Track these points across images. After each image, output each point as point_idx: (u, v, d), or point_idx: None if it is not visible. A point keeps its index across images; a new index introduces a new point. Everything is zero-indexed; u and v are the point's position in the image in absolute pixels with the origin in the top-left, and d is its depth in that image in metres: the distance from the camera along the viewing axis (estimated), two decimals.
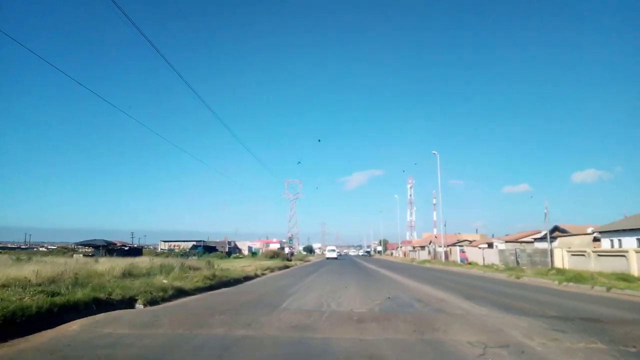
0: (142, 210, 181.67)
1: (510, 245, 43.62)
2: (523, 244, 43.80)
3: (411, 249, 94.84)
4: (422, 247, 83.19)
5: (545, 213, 31.77)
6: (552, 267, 28.09)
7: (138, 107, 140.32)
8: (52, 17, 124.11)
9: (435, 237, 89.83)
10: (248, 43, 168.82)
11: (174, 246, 63.22)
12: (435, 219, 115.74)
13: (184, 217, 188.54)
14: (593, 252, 26.62)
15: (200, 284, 14.11)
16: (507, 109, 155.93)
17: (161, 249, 64.21)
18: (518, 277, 24.69)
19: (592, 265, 26.12)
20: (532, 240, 42.04)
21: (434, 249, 70.01)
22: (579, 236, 34.23)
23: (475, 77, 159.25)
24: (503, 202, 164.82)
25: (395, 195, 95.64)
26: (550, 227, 38.41)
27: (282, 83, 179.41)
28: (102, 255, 45.61)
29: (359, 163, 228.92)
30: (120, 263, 16.22)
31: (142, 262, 18.64)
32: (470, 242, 70.12)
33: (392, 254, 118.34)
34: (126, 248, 51.39)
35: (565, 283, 19.99)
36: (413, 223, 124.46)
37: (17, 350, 5.93)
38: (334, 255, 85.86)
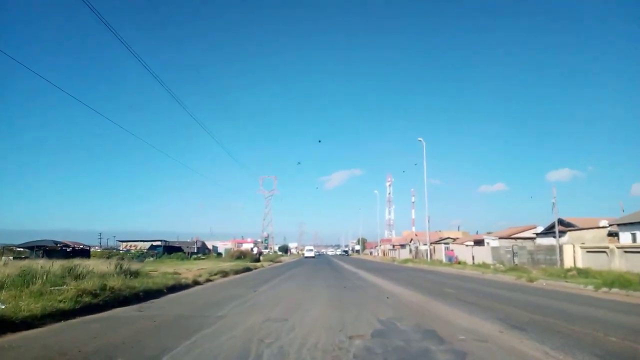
0: (114, 211, 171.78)
1: (506, 242, 38.97)
2: (518, 240, 39.26)
3: (391, 247, 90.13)
4: (403, 246, 78.56)
5: (552, 202, 27.05)
6: (571, 267, 23.36)
7: (119, 108, 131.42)
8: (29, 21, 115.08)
9: (416, 234, 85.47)
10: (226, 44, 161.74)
11: (131, 246, 56.75)
12: (413, 217, 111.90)
13: (158, 218, 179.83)
14: (618, 248, 21.94)
15: (65, 306, 8.48)
16: (483, 109, 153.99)
17: (119, 250, 57.62)
18: (531, 280, 19.78)
19: (617, 263, 21.43)
20: (534, 235, 37.52)
21: (416, 248, 65.34)
22: (591, 230, 29.74)
23: (454, 77, 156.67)
24: (480, 201, 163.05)
25: (375, 191, 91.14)
26: (552, 221, 33.88)
27: (261, 82, 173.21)
28: (38, 257, 39.30)
29: (339, 162, 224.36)
30: None
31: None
32: (454, 239, 65.57)
33: (370, 253, 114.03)
34: (69, 249, 44.78)
35: (604, 289, 15.04)
36: (392, 222, 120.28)
37: None
38: (312, 254, 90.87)
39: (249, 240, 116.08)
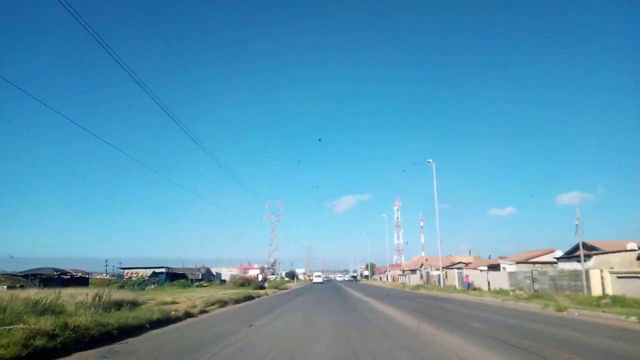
0: (121, 238, 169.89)
1: (524, 267, 36.73)
2: (537, 265, 36.99)
3: (400, 273, 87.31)
4: (413, 271, 75.88)
5: (576, 225, 25.08)
6: (601, 295, 21.28)
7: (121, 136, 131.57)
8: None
9: (426, 259, 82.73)
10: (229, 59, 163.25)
11: (133, 274, 54.90)
12: (423, 241, 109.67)
13: (164, 245, 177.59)
14: None
15: (8, 352, 6.81)
16: (493, 132, 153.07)
17: (117, 277, 55.78)
18: (560, 310, 17.77)
19: None
20: (553, 260, 35.26)
21: (427, 273, 62.88)
22: (619, 253, 27.54)
23: (462, 100, 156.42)
24: (490, 225, 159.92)
25: (383, 215, 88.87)
26: (574, 244, 31.75)
27: (267, 107, 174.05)
28: (35, 286, 37.65)
29: (347, 187, 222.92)
30: None
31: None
32: (466, 264, 62.98)
33: (380, 278, 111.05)
34: (66, 277, 43.08)
35: None
36: (401, 246, 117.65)
37: None
38: (320, 280, 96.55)
39: (255, 266, 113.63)
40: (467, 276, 41.43)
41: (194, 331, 11.58)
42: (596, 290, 24.04)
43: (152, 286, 48.48)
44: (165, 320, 13.18)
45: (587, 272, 24.86)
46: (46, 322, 8.39)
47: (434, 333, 10.73)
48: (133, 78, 23.22)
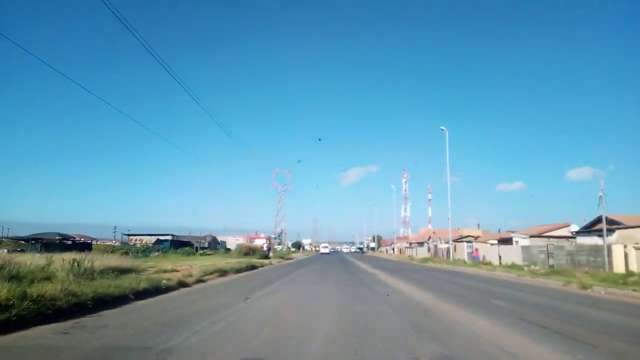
0: (131, 205, 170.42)
1: (539, 241, 35.32)
2: (552, 239, 35.56)
3: (407, 245, 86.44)
4: (420, 244, 74.84)
5: (600, 196, 23.48)
6: (627, 272, 19.89)
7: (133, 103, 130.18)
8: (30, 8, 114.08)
9: (434, 232, 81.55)
10: (244, 35, 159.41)
11: (136, 240, 54.33)
12: (430, 214, 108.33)
13: (173, 213, 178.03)
14: None
15: None
16: (503, 106, 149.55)
17: (122, 243, 55.26)
18: (584, 287, 16.39)
19: None
20: (569, 234, 33.81)
21: (435, 246, 61.83)
22: None
23: (473, 73, 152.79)
24: (497, 199, 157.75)
25: (392, 186, 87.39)
26: (593, 218, 30.20)
27: (277, 76, 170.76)
28: (36, 251, 37.09)
29: (356, 159, 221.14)
30: None
31: None
32: (475, 238, 61.71)
33: (386, 251, 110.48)
34: (68, 242, 42.42)
35: None
36: (408, 219, 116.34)
37: None
38: (327, 251, 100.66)
39: (262, 236, 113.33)
40: (476, 250, 40.15)
41: (182, 303, 10.34)
42: (619, 267, 22.63)
43: (156, 253, 47.87)
44: (154, 291, 11.96)
45: (609, 248, 23.40)
46: (1, 291, 7.13)
47: (455, 312, 9.39)
48: (141, 42, 21.59)
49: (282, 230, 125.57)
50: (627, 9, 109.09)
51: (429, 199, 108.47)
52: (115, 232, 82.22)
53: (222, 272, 20.03)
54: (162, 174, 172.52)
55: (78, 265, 11.49)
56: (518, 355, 5.57)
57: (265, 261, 37.17)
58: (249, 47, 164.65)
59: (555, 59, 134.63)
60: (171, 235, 62.25)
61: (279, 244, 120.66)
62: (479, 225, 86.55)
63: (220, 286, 15.07)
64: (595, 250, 25.13)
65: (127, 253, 46.61)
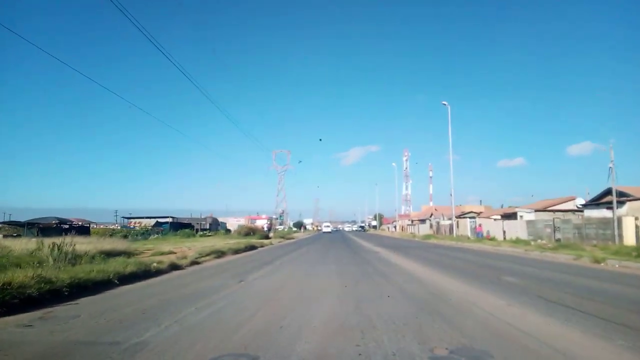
0: (132, 189, 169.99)
1: (544, 215, 34.60)
2: (557, 213, 34.83)
3: (409, 222, 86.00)
4: (422, 221, 74.32)
5: (610, 167, 22.63)
6: (637, 245, 19.19)
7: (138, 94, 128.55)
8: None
9: (435, 209, 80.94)
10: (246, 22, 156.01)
11: (136, 223, 53.78)
12: (431, 192, 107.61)
13: (174, 196, 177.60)
14: None
15: None
16: (501, 82, 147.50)
17: (122, 227, 54.74)
18: (597, 261, 15.64)
19: None
20: (575, 208, 33.06)
21: (438, 222, 61.25)
22: None
23: (472, 51, 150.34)
24: (499, 176, 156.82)
25: (393, 164, 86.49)
26: (601, 191, 29.36)
27: (277, 58, 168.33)
28: (32, 235, 36.45)
29: (356, 139, 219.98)
30: None
31: None
32: (477, 214, 61.08)
33: (387, 228, 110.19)
34: (65, 227, 41.73)
35: None
36: (409, 197, 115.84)
37: None
38: (329, 230, 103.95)
39: (263, 216, 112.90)
40: (480, 225, 39.48)
41: (169, 288, 9.57)
42: (629, 240, 21.93)
43: (156, 236, 47.33)
44: (143, 274, 11.22)
45: (619, 220, 22.65)
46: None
47: (465, 291, 8.61)
48: (138, 27, 20.28)
49: (283, 211, 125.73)
50: None
51: (430, 177, 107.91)
52: (116, 215, 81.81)
53: (220, 253, 19.34)
54: (164, 158, 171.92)
55: (58, 249, 10.67)
56: (547, 341, 4.77)
57: (266, 241, 36.59)
58: (248, 30, 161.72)
59: (554, 36, 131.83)
60: (171, 217, 61.56)
61: (281, 224, 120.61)
62: (481, 201, 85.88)
63: (215, 268, 14.34)
64: (604, 222, 24.40)
65: (126, 236, 46.06)
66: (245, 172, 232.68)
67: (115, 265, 10.75)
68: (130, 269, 10.87)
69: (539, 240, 27.33)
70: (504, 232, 37.11)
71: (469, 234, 43.23)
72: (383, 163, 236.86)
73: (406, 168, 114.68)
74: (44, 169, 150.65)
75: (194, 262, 15.54)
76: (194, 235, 45.80)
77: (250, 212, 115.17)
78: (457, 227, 49.68)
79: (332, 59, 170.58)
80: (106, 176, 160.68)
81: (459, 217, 50.84)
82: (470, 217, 47.93)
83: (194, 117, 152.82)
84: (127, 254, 17.70)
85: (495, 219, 44.92)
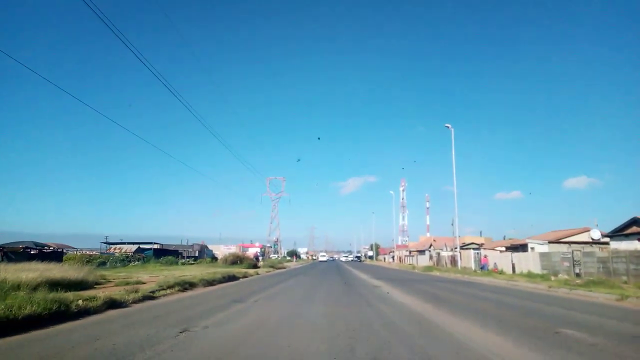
0: (125, 215, 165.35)
1: (558, 247, 31.41)
2: (573, 245, 31.66)
3: (407, 253, 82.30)
4: (421, 252, 70.78)
5: None
6: None
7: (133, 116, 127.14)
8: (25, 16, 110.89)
9: (434, 240, 77.47)
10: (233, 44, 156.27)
11: (116, 249, 50.06)
12: (428, 222, 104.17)
13: (168, 223, 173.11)
14: None
15: None
16: (499, 115, 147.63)
17: (102, 253, 50.79)
18: None
19: None
20: (591, 240, 29.93)
21: (438, 254, 57.85)
22: None
23: (470, 84, 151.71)
24: (495, 209, 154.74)
25: (391, 192, 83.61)
26: (627, 219, 26.35)
27: (275, 85, 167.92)
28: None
29: (353, 168, 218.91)
30: None
31: None
32: (480, 245, 57.82)
33: (384, 259, 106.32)
34: (32, 252, 38.11)
35: None
36: (406, 227, 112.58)
37: None
38: (325, 259, 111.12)
39: (257, 244, 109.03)
40: (485, 257, 36.11)
41: (65, 342, 6.32)
42: None
43: (136, 263, 43.83)
44: (53, 316, 7.95)
45: None
46: None
47: (513, 354, 5.46)
48: (124, 42, 17.81)
49: (277, 239, 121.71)
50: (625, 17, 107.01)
51: (427, 207, 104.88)
52: (106, 242, 77.81)
53: (187, 285, 16.01)
54: (161, 186, 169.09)
55: None
56: None
57: (251, 271, 33.13)
58: (244, 54, 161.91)
59: (552, 72, 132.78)
60: (157, 243, 57.90)
61: (275, 253, 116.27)
62: (481, 232, 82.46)
63: (167, 307, 10.99)
64: (636, 256, 21.27)
65: (104, 263, 42.46)
66: (242, 201, 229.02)
67: (11, 302, 7.50)
68: (33, 309, 7.62)
69: (560, 275, 24.08)
70: (513, 265, 33.87)
71: (472, 266, 39.89)
72: (380, 193, 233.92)
73: (403, 198, 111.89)
74: (43, 193, 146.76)
75: (148, 297, 12.27)
76: (176, 263, 42.24)
77: (244, 240, 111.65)
78: (461, 259, 46.48)
79: (329, 87, 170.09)
80: (103, 203, 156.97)
81: (461, 248, 47.58)
82: (474, 249, 44.57)
83: (192, 145, 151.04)
84: (82, 284, 14.75)
85: (501, 251, 41.66)
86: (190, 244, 66.36)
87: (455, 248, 42.44)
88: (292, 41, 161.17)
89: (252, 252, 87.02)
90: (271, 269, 39.87)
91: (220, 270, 24.95)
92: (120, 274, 25.44)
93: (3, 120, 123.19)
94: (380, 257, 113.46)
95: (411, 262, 70.87)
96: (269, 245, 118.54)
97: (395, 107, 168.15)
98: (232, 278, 22.40)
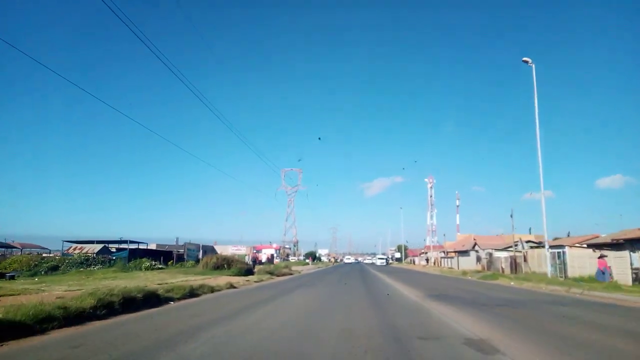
0: (136, 217, 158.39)
1: None
2: None
3: (443, 255, 69.57)
4: (463, 253, 57.94)
5: None
6: None
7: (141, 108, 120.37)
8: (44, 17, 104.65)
9: (474, 238, 64.68)
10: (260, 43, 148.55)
11: (77, 249, 39.73)
12: (458, 222, 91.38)
13: (181, 224, 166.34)
14: None
15: None
16: (530, 113, 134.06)
17: (63, 254, 40.32)
18: None
19: None
20: None
21: (490, 255, 45.44)
22: None
23: (499, 80, 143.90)
24: (523, 209, 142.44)
25: (426, 180, 71.21)
26: None
27: (300, 85, 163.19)
28: None
29: (380, 169, 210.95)
30: None
31: None
32: (537, 244, 44.78)
33: (413, 261, 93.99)
34: None
35: None
36: (434, 227, 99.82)
37: None
38: (350, 261, 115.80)
39: (273, 245, 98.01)
40: (603, 258, 23.39)
41: None
42: None
43: (98, 266, 33.09)
44: None
45: None
46: None
47: None
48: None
49: (296, 240, 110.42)
50: None
51: (457, 205, 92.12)
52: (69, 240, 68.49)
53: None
54: (174, 185, 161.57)
55: None
56: None
57: (235, 280, 21.84)
58: (265, 55, 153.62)
59: (584, 68, 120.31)
60: (137, 242, 46.91)
61: (293, 254, 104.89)
62: (530, 229, 68.90)
63: None
64: None
65: (56, 267, 32.08)
66: (266, 202, 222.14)
67: None
68: None
69: None
70: (636, 272, 21.68)
71: (548, 271, 27.68)
72: (406, 194, 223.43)
73: (431, 196, 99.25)
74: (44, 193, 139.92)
75: None
76: (140, 269, 31.34)
77: (263, 241, 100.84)
78: (525, 260, 34.47)
79: (361, 86, 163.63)
80: (120, 205, 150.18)
81: (535, 247, 35.37)
82: (555, 247, 31.72)
83: (207, 137, 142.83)
84: None
85: (594, 249, 29.04)
86: (177, 243, 55.49)
87: (546, 243, 30.03)
88: (321, 40, 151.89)
89: (267, 253, 75.95)
90: (271, 277, 28.44)
91: (176, 282, 13.58)
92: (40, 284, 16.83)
93: None
94: (409, 259, 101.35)
95: (451, 266, 58.52)
96: (287, 246, 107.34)
97: (421, 107, 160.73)
98: (195, 295, 10.99)
